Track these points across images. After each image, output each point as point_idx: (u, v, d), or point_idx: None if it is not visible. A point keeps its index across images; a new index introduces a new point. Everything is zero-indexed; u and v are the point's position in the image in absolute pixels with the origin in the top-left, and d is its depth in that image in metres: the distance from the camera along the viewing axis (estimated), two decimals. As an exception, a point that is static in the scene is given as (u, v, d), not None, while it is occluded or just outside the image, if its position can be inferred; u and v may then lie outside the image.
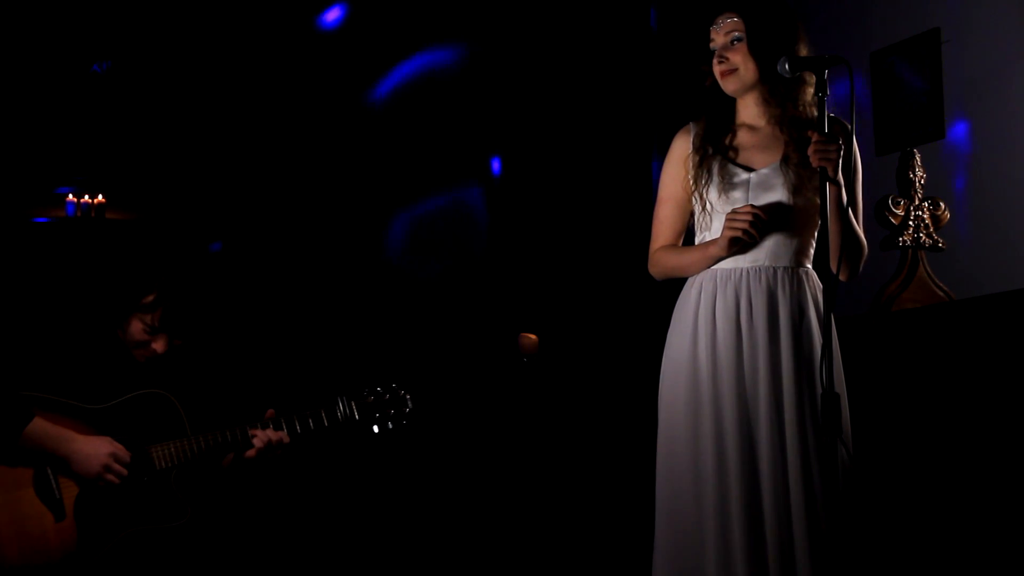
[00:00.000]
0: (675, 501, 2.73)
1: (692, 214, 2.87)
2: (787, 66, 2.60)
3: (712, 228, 2.81)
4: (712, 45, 2.80)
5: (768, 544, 2.63)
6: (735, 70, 2.77)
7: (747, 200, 2.75)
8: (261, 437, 2.96)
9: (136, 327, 2.95)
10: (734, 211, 2.72)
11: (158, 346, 2.97)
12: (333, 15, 6.10)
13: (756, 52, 2.74)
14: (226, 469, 3.01)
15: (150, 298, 2.94)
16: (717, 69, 2.79)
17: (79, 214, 7.17)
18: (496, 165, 6.57)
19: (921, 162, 3.85)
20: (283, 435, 2.98)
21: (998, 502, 3.07)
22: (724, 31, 2.78)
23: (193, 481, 2.95)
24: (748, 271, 2.76)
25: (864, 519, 2.70)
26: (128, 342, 2.98)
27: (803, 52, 2.74)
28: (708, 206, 2.79)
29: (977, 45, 4.83)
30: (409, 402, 3.09)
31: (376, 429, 3.04)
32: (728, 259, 2.77)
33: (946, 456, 3.23)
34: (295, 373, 5.07)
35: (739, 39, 2.76)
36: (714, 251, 2.77)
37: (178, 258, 3.07)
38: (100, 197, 7.22)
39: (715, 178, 2.78)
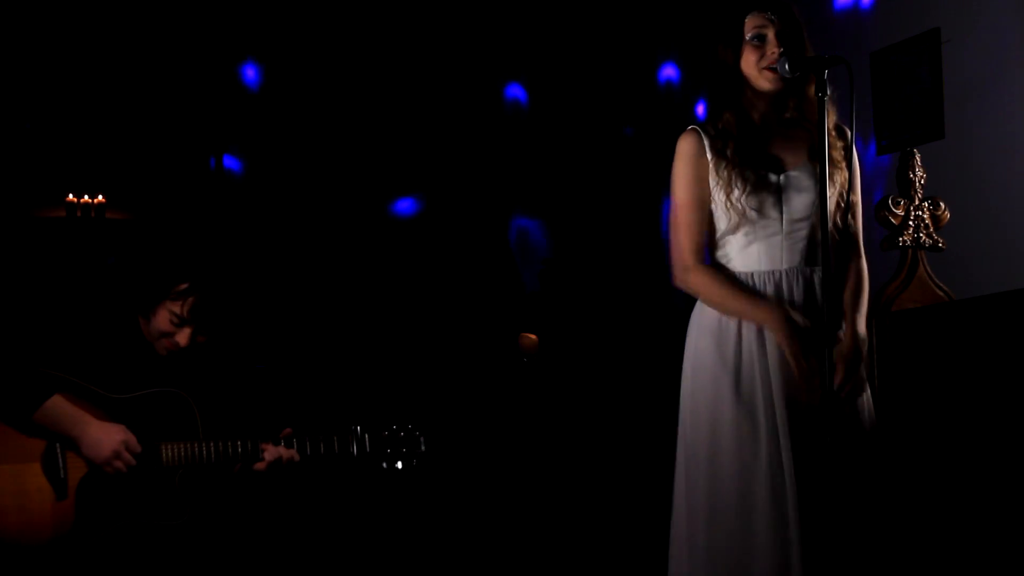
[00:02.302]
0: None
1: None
2: (787, 66, 2.61)
3: (740, 231, 2.76)
4: (754, 40, 2.74)
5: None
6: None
7: (779, 202, 2.74)
8: (272, 452, 2.98)
9: (163, 316, 2.97)
10: (794, 354, 2.65)
11: (181, 338, 2.98)
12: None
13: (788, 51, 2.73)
14: (234, 476, 3.02)
15: (183, 286, 2.96)
16: (769, 63, 2.72)
17: (79, 214, 7.19)
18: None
19: (921, 162, 3.84)
20: (294, 453, 3.00)
21: (999, 502, 3.08)
22: (773, 30, 2.73)
23: (197, 483, 2.96)
24: (785, 272, 2.75)
25: (864, 518, 2.70)
26: (152, 332, 2.99)
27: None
28: (739, 209, 2.74)
29: (977, 45, 4.83)
30: (422, 444, 3.10)
31: (384, 466, 3.06)
32: (764, 261, 2.75)
33: (946, 456, 3.24)
34: (309, 388, 5.08)
35: (778, 38, 2.74)
36: (761, 322, 2.71)
37: (214, 253, 3.09)
38: (100, 197, 7.23)
39: (742, 180, 2.73)
